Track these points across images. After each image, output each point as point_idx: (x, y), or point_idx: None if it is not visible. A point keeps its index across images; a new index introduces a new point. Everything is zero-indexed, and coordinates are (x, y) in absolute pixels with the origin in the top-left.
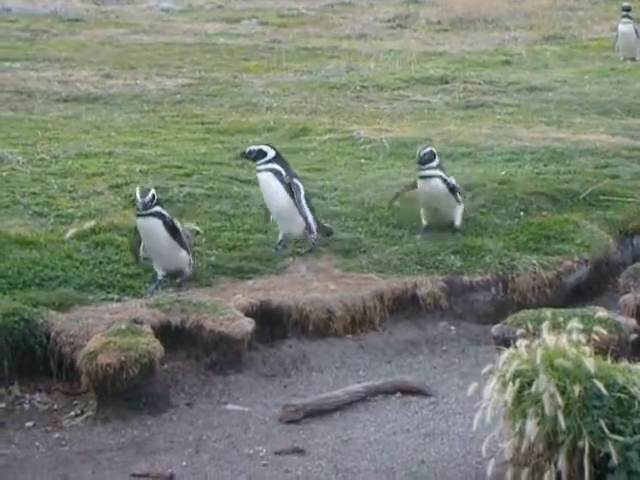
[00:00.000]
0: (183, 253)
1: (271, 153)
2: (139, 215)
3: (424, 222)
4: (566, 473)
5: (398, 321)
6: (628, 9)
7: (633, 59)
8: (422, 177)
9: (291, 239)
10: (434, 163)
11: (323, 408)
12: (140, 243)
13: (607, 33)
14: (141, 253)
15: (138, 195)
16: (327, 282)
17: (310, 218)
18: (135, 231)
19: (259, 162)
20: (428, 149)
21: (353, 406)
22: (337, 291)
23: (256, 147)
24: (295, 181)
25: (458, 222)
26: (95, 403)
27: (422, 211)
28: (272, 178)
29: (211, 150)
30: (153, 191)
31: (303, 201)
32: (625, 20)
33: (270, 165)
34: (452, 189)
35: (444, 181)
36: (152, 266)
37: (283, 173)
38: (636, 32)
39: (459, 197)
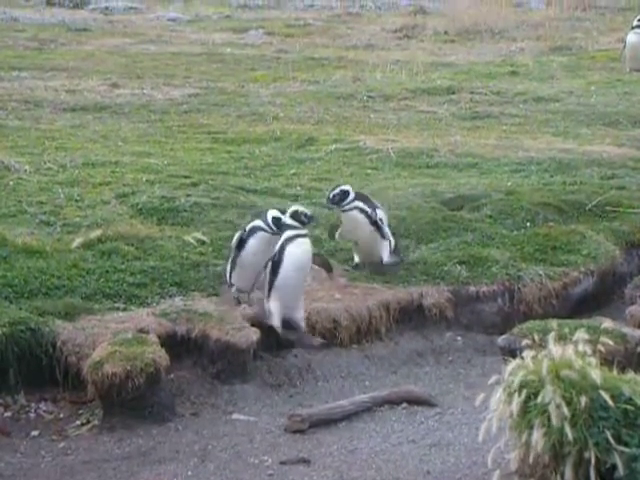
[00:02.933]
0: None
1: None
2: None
3: (356, 259)
4: None
5: (404, 331)
6: None
7: (634, 69)
8: (342, 211)
9: None
10: (349, 199)
11: (329, 418)
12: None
13: (614, 44)
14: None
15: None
16: (333, 292)
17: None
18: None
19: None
20: (338, 190)
21: (359, 416)
22: (343, 301)
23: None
24: None
25: (386, 257)
26: (101, 412)
27: (352, 247)
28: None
29: (218, 160)
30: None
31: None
32: (637, 31)
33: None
34: (375, 222)
35: (362, 211)
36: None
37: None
38: None
39: (384, 232)
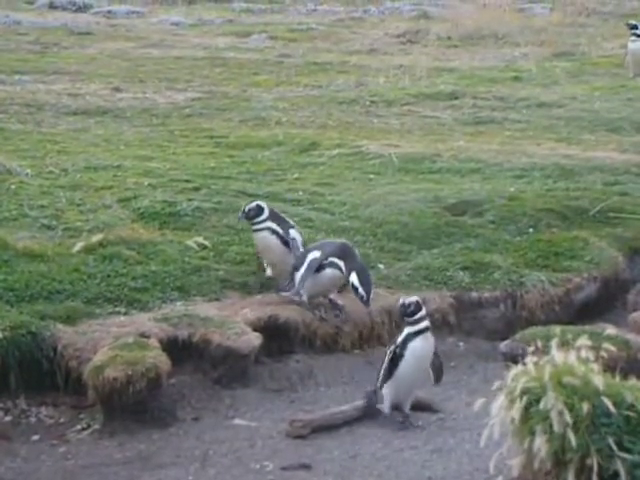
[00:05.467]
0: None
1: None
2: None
3: (268, 272)
4: None
5: None
6: (635, 27)
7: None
8: (253, 230)
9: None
10: (262, 217)
11: (330, 423)
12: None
13: (617, 50)
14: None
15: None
16: (335, 297)
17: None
18: None
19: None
20: (254, 204)
21: (360, 422)
22: (345, 306)
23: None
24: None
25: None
26: (101, 417)
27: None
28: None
29: (220, 164)
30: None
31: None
32: (634, 38)
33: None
34: (286, 242)
35: (274, 232)
36: None
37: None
38: None
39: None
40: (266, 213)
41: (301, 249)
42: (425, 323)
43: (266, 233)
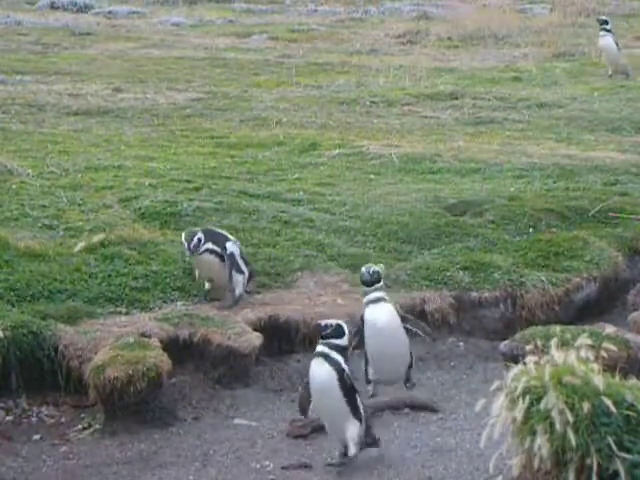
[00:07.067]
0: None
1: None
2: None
3: (206, 286)
4: None
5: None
6: (606, 22)
7: (617, 72)
8: (198, 255)
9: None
10: (201, 243)
11: None
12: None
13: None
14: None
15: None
16: (335, 297)
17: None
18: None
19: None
20: (195, 238)
21: None
22: (345, 306)
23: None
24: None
25: (238, 291)
26: (102, 416)
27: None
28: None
29: (220, 164)
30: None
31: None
32: (602, 33)
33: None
34: (223, 259)
35: (212, 252)
36: None
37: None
38: (616, 44)
39: (237, 267)
40: (203, 239)
41: (238, 259)
42: (322, 348)
43: (206, 254)
